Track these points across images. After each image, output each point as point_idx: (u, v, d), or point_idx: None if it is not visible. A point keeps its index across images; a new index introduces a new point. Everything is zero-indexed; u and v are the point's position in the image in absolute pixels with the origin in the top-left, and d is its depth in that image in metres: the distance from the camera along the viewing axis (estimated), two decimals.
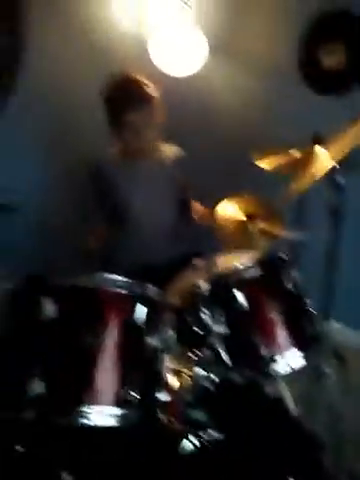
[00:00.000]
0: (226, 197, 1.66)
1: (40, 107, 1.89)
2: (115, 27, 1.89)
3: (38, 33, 1.81)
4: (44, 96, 1.88)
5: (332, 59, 1.86)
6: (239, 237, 1.59)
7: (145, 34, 1.79)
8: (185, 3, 1.76)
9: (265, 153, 1.71)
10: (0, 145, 1.88)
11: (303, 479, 1.10)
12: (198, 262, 1.43)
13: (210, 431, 1.08)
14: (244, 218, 1.60)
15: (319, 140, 1.39)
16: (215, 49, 1.88)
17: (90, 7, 1.85)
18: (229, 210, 1.65)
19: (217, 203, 1.66)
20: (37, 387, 0.92)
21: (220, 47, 1.91)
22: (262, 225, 1.59)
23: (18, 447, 1.12)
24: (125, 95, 1.52)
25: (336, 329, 1.45)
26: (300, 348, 1.11)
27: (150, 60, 1.71)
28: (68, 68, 1.89)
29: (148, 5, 1.76)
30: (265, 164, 1.67)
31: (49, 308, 0.97)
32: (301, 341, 1.13)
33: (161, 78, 1.87)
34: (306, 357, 1.12)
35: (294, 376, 1.48)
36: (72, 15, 1.85)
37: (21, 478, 1.10)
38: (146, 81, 1.57)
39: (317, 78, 1.90)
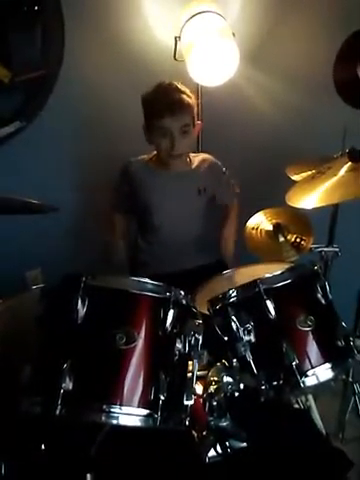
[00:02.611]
0: (260, 208, 1.67)
1: (75, 114, 1.95)
2: (152, 38, 1.94)
3: (76, 44, 1.87)
4: (79, 104, 1.94)
5: None
6: (268, 248, 1.59)
7: (180, 45, 1.82)
8: (219, 14, 1.78)
9: (298, 166, 1.71)
10: (37, 148, 1.94)
11: None
12: (228, 271, 1.44)
13: (234, 440, 1.08)
14: (270, 228, 1.59)
15: (356, 155, 1.37)
16: (250, 60, 1.90)
17: (128, 19, 1.91)
18: (257, 220, 1.65)
19: (252, 214, 1.68)
20: (68, 385, 0.94)
21: (256, 59, 1.94)
22: (292, 236, 1.59)
23: (43, 446, 1.14)
24: (164, 100, 1.56)
25: None
26: (329, 361, 1.09)
27: (184, 69, 1.75)
28: (103, 76, 1.94)
29: (183, 15, 1.79)
30: (298, 177, 1.68)
31: (82, 308, 0.99)
32: (331, 354, 1.11)
33: (196, 88, 1.93)
34: (335, 371, 1.10)
35: (322, 390, 1.47)
36: (110, 26, 1.90)
37: (45, 478, 1.12)
38: (187, 90, 1.61)
39: (354, 92, 1.89)
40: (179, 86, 1.60)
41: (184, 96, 1.59)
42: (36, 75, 1.88)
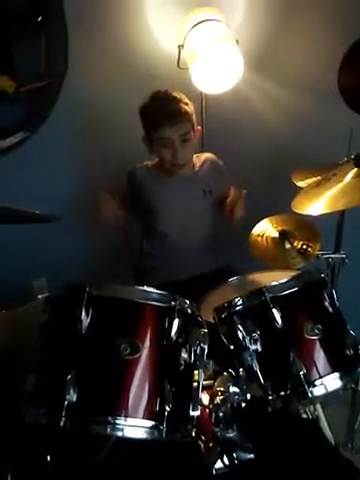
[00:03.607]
0: (266, 215, 1.65)
1: (80, 122, 1.95)
2: (155, 46, 1.94)
3: (79, 51, 1.87)
4: (83, 112, 1.94)
5: None
6: (274, 255, 1.58)
7: (183, 53, 1.83)
8: (222, 22, 1.79)
9: (303, 173, 1.70)
10: (41, 156, 1.94)
11: None
12: (233, 278, 1.43)
13: (241, 451, 1.06)
14: (276, 235, 1.58)
15: None
16: (254, 68, 1.90)
17: (131, 27, 1.91)
18: (263, 227, 1.64)
19: (258, 222, 1.66)
20: (72, 396, 0.93)
21: (259, 66, 1.94)
22: (298, 243, 1.58)
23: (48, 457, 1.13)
24: (161, 110, 1.56)
25: None
26: (338, 370, 1.08)
27: (188, 77, 1.75)
28: (108, 84, 1.94)
29: (186, 23, 1.80)
30: (304, 183, 1.67)
31: (86, 318, 0.99)
32: (339, 363, 1.09)
33: (200, 95, 1.93)
34: (344, 380, 1.08)
35: (331, 399, 1.44)
36: (113, 36, 1.91)
37: None
38: (183, 98, 1.61)
39: (359, 98, 1.88)
40: (175, 95, 1.60)
41: (181, 104, 1.58)
42: (40, 85, 1.88)
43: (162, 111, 1.56)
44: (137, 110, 1.64)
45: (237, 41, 1.81)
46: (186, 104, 1.61)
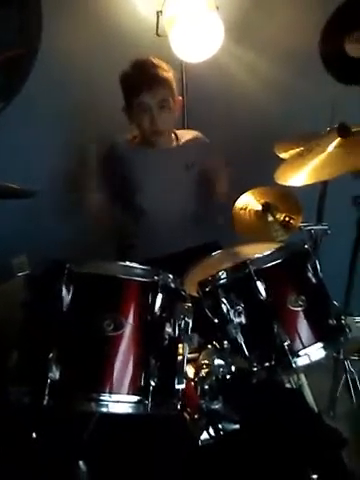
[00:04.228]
0: (248, 187, 1.64)
1: (56, 92, 1.88)
2: (133, 12, 1.88)
3: (54, 20, 1.80)
4: (60, 82, 1.87)
5: (357, 47, 1.81)
6: (257, 227, 1.57)
7: (162, 19, 1.77)
8: None
9: (286, 144, 1.68)
10: (17, 131, 1.89)
11: (323, 474, 1.07)
12: (217, 252, 1.42)
13: (227, 422, 1.07)
14: (259, 208, 1.57)
15: (345, 130, 1.34)
16: (234, 36, 1.85)
17: None
18: (246, 200, 1.62)
19: (238, 194, 1.64)
20: (55, 374, 0.92)
21: (239, 33, 1.88)
22: (281, 215, 1.57)
23: (34, 434, 1.13)
24: (140, 76, 1.54)
25: (355, 324, 1.42)
26: (321, 340, 1.09)
27: (167, 45, 1.70)
28: (84, 54, 1.88)
29: None
30: (286, 154, 1.65)
31: (67, 295, 0.97)
32: (323, 333, 1.10)
33: (180, 65, 1.87)
34: (327, 350, 1.09)
35: (314, 369, 1.47)
36: (89, 2, 1.84)
37: (37, 465, 1.10)
38: (163, 64, 1.58)
39: (341, 67, 1.85)
40: (155, 61, 1.58)
41: (161, 70, 1.56)
42: (14, 54, 1.82)
43: (141, 77, 1.55)
44: (115, 81, 1.59)
45: (217, 7, 1.76)
46: (166, 71, 1.59)
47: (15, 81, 1.85)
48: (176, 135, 1.74)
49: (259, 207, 1.60)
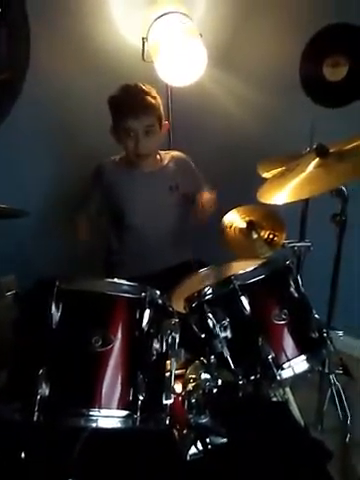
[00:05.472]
0: (229, 207, 1.68)
1: (44, 118, 1.93)
2: (119, 39, 1.94)
3: (42, 47, 1.85)
4: (50, 106, 1.92)
5: (335, 71, 1.89)
6: (242, 245, 1.60)
7: (147, 45, 1.83)
8: (186, 15, 1.80)
9: (268, 164, 1.74)
10: (6, 153, 1.92)
11: None
12: (204, 269, 1.45)
13: (214, 436, 1.08)
14: (244, 226, 1.61)
15: (323, 151, 1.40)
16: (218, 61, 1.92)
17: (94, 20, 1.91)
18: (231, 218, 1.67)
19: (222, 213, 1.68)
20: (44, 391, 0.93)
21: (222, 59, 1.96)
22: (265, 233, 1.61)
23: (23, 454, 1.13)
24: (128, 102, 1.58)
25: (339, 338, 1.45)
26: (305, 353, 1.12)
27: (152, 70, 1.75)
28: (72, 78, 1.93)
29: (150, 16, 1.80)
30: (269, 174, 1.70)
31: (56, 312, 0.99)
32: (306, 346, 1.14)
33: (166, 89, 1.93)
34: (311, 362, 1.12)
35: (299, 382, 1.49)
36: (76, 28, 1.90)
37: None
38: (151, 90, 1.62)
39: (320, 90, 1.93)
40: (144, 87, 1.61)
41: (148, 97, 1.60)
42: (2, 78, 1.85)
43: (128, 102, 1.58)
44: (102, 104, 1.63)
45: (200, 34, 1.83)
46: (153, 97, 1.63)
47: (4, 103, 1.88)
48: (160, 156, 1.78)
49: (244, 225, 1.64)
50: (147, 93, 1.61)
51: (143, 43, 1.85)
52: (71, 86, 1.92)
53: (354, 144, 1.34)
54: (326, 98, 1.91)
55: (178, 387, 1.13)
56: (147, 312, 1.04)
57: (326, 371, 1.67)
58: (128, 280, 1.06)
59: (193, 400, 1.08)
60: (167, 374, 1.06)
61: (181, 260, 1.74)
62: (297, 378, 1.15)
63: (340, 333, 1.43)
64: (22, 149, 1.93)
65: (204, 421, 1.08)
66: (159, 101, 1.65)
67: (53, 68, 1.90)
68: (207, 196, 1.65)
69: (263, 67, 1.98)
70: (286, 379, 1.10)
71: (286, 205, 1.32)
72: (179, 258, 1.75)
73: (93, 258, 1.87)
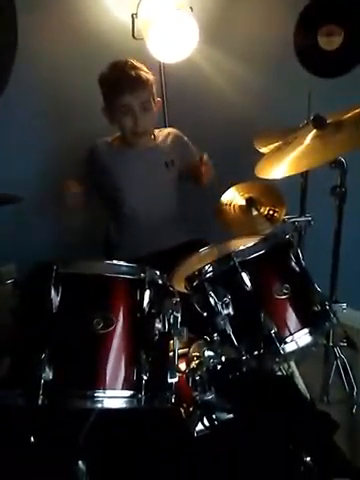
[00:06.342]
0: (232, 184, 1.66)
1: (37, 98, 1.91)
2: (109, 16, 1.91)
3: (31, 28, 1.81)
4: (40, 88, 1.90)
5: (330, 40, 1.85)
6: (242, 222, 1.59)
7: (137, 22, 1.80)
8: None
9: (264, 138, 1.71)
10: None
11: (316, 456, 1.10)
12: (204, 248, 1.44)
13: (220, 412, 1.09)
14: (244, 203, 1.60)
15: (320, 122, 1.37)
16: (209, 36, 1.88)
17: None
18: (230, 196, 1.65)
19: (221, 191, 1.67)
20: (48, 375, 0.93)
21: (214, 33, 1.91)
22: (265, 209, 1.59)
23: (32, 438, 1.14)
24: (122, 78, 1.55)
25: (342, 310, 1.45)
26: (307, 326, 1.11)
27: (143, 47, 1.72)
28: (61, 57, 1.89)
29: None
30: (266, 148, 1.68)
31: (56, 296, 0.98)
32: (308, 319, 1.13)
33: (158, 67, 1.90)
34: (313, 335, 1.12)
35: (304, 355, 1.49)
36: (65, 8, 1.87)
37: (37, 468, 1.11)
38: (143, 66, 1.59)
39: (316, 60, 1.89)
40: (135, 63, 1.59)
41: (141, 72, 1.57)
42: None
43: (122, 78, 1.55)
44: (93, 84, 1.60)
45: (191, 8, 1.78)
46: (146, 72, 1.60)
47: None
48: (154, 134, 1.76)
49: (243, 202, 1.62)
50: (140, 68, 1.58)
51: (133, 20, 1.81)
52: (61, 66, 1.88)
53: (351, 114, 1.31)
54: (322, 68, 1.87)
55: (182, 366, 1.13)
56: (147, 292, 1.03)
57: (330, 344, 1.68)
58: (128, 261, 1.05)
59: (197, 377, 1.08)
60: (171, 353, 1.06)
61: (181, 239, 1.73)
62: (302, 352, 1.15)
63: (343, 305, 1.42)
64: (12, 132, 1.90)
65: (209, 398, 1.09)
66: (152, 76, 1.62)
67: (42, 48, 1.86)
68: (205, 159, 1.60)
69: (256, 40, 1.94)
70: (290, 353, 1.09)
71: (285, 179, 1.30)
72: (179, 237, 1.73)
73: (93, 241, 1.86)
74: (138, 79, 1.55)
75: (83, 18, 1.89)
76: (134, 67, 1.57)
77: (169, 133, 1.78)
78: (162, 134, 1.77)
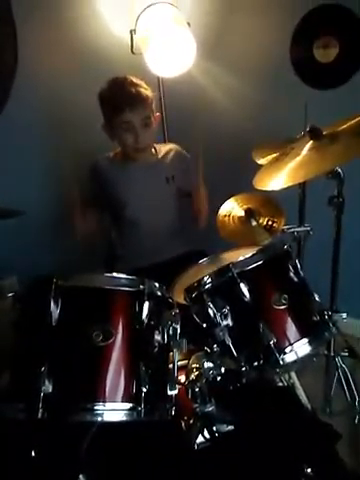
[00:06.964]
0: (231, 195, 1.67)
1: (36, 115, 1.93)
2: (107, 33, 1.94)
3: (30, 45, 1.84)
4: (40, 104, 1.92)
5: (326, 53, 1.88)
6: (241, 233, 1.60)
7: (136, 38, 1.83)
8: (172, 4, 1.78)
9: (262, 150, 1.73)
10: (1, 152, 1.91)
11: (319, 469, 1.09)
12: (204, 259, 1.45)
13: (221, 423, 1.09)
14: (242, 214, 1.61)
15: (316, 133, 1.38)
16: (207, 50, 1.90)
17: (81, 15, 1.90)
18: (229, 207, 1.66)
19: (220, 203, 1.68)
20: (48, 388, 0.93)
21: (211, 47, 1.94)
22: (264, 220, 1.60)
23: (33, 453, 1.14)
24: (122, 95, 1.56)
25: (342, 320, 1.45)
26: (306, 336, 1.11)
27: (142, 62, 1.74)
28: (61, 73, 1.92)
29: (137, 8, 1.79)
30: (264, 160, 1.70)
31: (55, 309, 0.99)
32: (307, 329, 1.13)
33: (157, 81, 1.92)
34: (313, 345, 1.12)
35: (305, 366, 1.49)
36: (64, 25, 1.89)
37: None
38: (142, 83, 1.61)
39: (312, 72, 1.91)
40: (135, 80, 1.60)
41: (141, 89, 1.59)
42: None
43: (122, 96, 1.56)
44: (93, 100, 1.62)
45: (188, 24, 1.81)
46: (146, 89, 1.62)
47: None
48: (155, 149, 1.78)
49: (242, 213, 1.63)
50: (139, 85, 1.60)
51: (131, 35, 1.84)
52: (60, 83, 1.90)
53: (346, 125, 1.33)
54: (318, 80, 1.90)
55: (182, 378, 1.13)
56: (146, 304, 1.04)
57: (332, 354, 1.67)
58: (128, 273, 1.06)
59: (197, 389, 1.08)
60: (170, 365, 1.06)
61: (181, 251, 1.75)
62: (302, 362, 1.15)
63: (344, 315, 1.42)
64: (13, 147, 1.93)
65: (210, 410, 1.08)
66: (151, 92, 1.64)
67: (42, 65, 1.89)
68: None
69: (253, 53, 1.97)
70: (289, 363, 1.09)
71: (283, 190, 1.31)
72: (179, 248, 1.75)
73: (94, 254, 1.87)
74: (138, 96, 1.57)
75: (82, 34, 1.92)
76: (134, 84, 1.58)
77: (170, 149, 1.80)
78: (164, 150, 1.79)
